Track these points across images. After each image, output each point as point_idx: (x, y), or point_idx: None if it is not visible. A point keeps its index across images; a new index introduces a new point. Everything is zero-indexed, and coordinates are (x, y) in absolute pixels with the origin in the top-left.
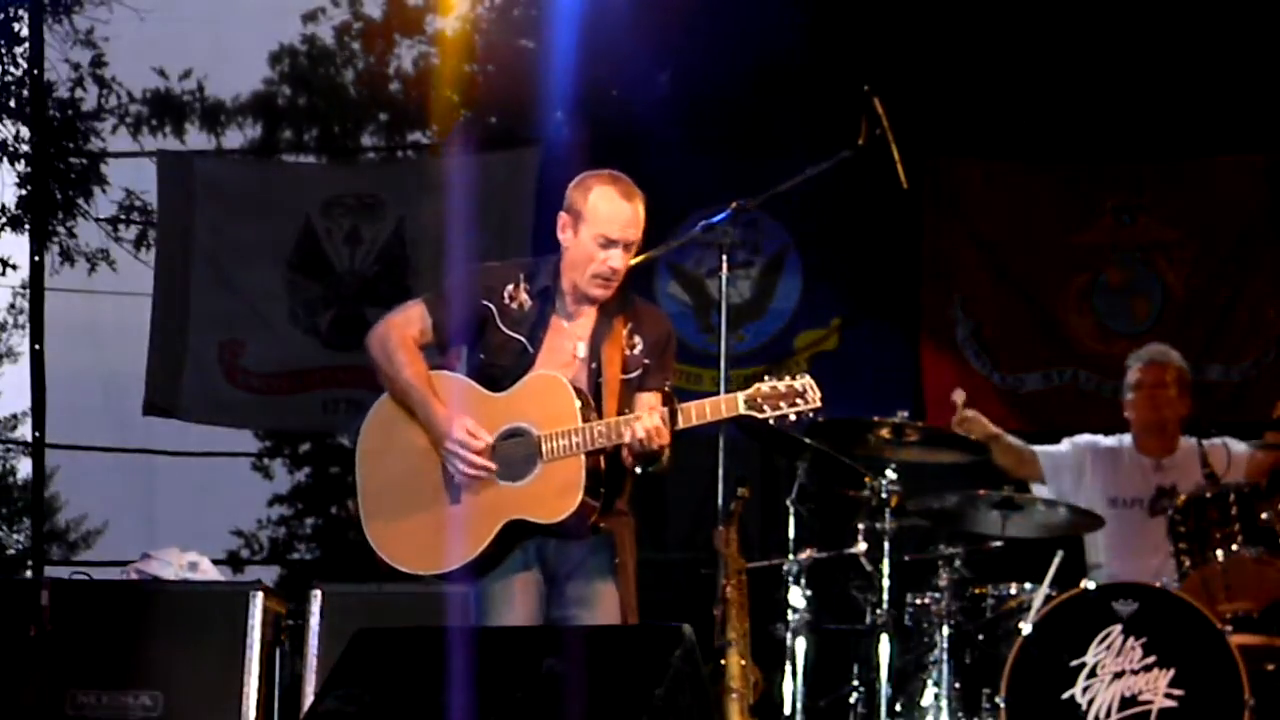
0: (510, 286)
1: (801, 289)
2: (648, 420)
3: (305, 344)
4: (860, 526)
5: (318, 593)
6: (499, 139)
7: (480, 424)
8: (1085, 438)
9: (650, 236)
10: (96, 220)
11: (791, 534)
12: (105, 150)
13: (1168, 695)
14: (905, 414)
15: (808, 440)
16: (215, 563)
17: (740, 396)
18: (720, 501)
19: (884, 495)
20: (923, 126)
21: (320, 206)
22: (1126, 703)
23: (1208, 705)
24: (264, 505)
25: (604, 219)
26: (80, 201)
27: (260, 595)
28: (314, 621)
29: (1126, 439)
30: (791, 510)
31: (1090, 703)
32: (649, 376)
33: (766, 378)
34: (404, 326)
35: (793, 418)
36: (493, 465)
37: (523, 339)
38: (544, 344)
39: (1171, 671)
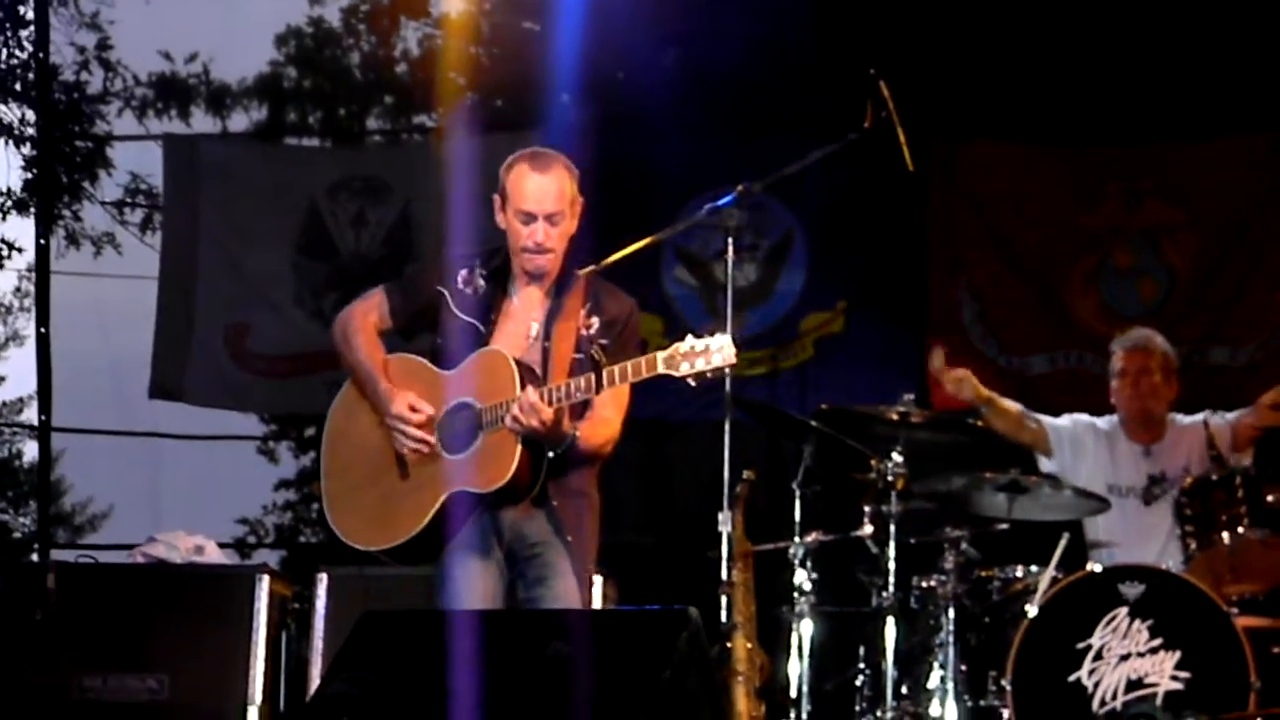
0: (464, 272)
1: (807, 272)
2: (525, 397)
3: (311, 327)
4: (866, 509)
5: (324, 576)
6: (504, 121)
7: (429, 400)
8: (1083, 416)
9: (656, 220)
10: (102, 203)
11: (797, 517)
12: (111, 134)
13: (1174, 677)
14: (911, 396)
15: (813, 423)
16: (221, 546)
17: (659, 355)
18: (726, 485)
19: (890, 478)
20: (929, 109)
21: (326, 189)
22: (1133, 685)
23: (1214, 687)
24: (270, 489)
25: (519, 194)
26: (86, 185)
27: (266, 578)
28: (320, 604)
29: (1116, 421)
30: (797, 493)
31: (1096, 685)
32: (609, 356)
33: (688, 336)
34: (364, 314)
35: (709, 375)
36: (432, 438)
37: (476, 322)
38: (497, 326)
39: (1178, 654)
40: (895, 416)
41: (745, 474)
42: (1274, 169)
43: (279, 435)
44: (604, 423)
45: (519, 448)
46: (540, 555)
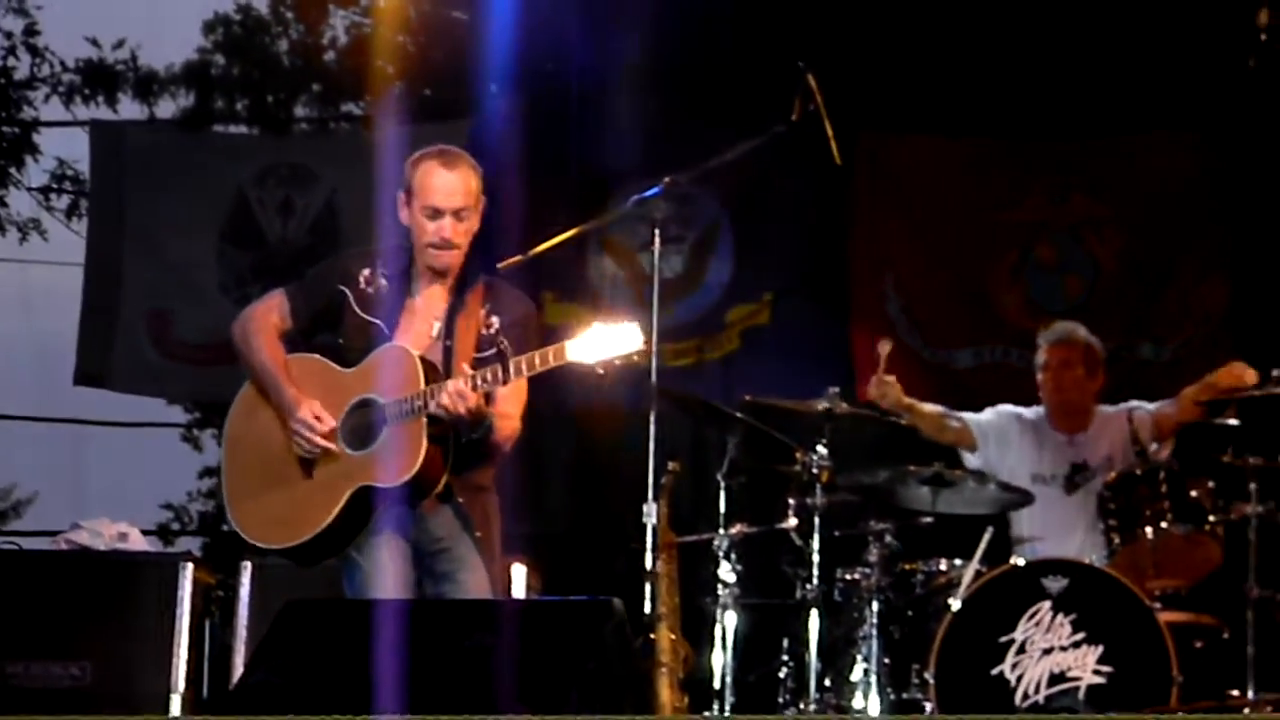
0: (366, 271)
1: (734, 264)
2: (451, 385)
3: (236, 315)
4: (790, 502)
5: (248, 564)
6: (432, 111)
7: (333, 398)
8: (1008, 407)
9: (583, 211)
10: (28, 189)
11: (722, 509)
12: (37, 120)
13: (1096, 672)
14: (836, 389)
15: (738, 414)
16: (145, 534)
17: (567, 344)
18: (651, 476)
19: (814, 470)
20: (856, 103)
21: (253, 177)
22: (1055, 679)
23: (1136, 682)
24: (194, 476)
25: (427, 190)
26: (12, 171)
27: (190, 566)
28: (244, 593)
29: (1043, 411)
30: (722, 485)
31: (1019, 679)
32: (506, 356)
33: (596, 323)
34: (265, 314)
35: (618, 361)
36: (332, 445)
37: (378, 321)
38: (400, 325)
39: (1100, 648)
40: (820, 409)
41: (670, 465)
42: (1199, 167)
43: (203, 423)
44: (505, 418)
45: (425, 441)
46: (448, 550)
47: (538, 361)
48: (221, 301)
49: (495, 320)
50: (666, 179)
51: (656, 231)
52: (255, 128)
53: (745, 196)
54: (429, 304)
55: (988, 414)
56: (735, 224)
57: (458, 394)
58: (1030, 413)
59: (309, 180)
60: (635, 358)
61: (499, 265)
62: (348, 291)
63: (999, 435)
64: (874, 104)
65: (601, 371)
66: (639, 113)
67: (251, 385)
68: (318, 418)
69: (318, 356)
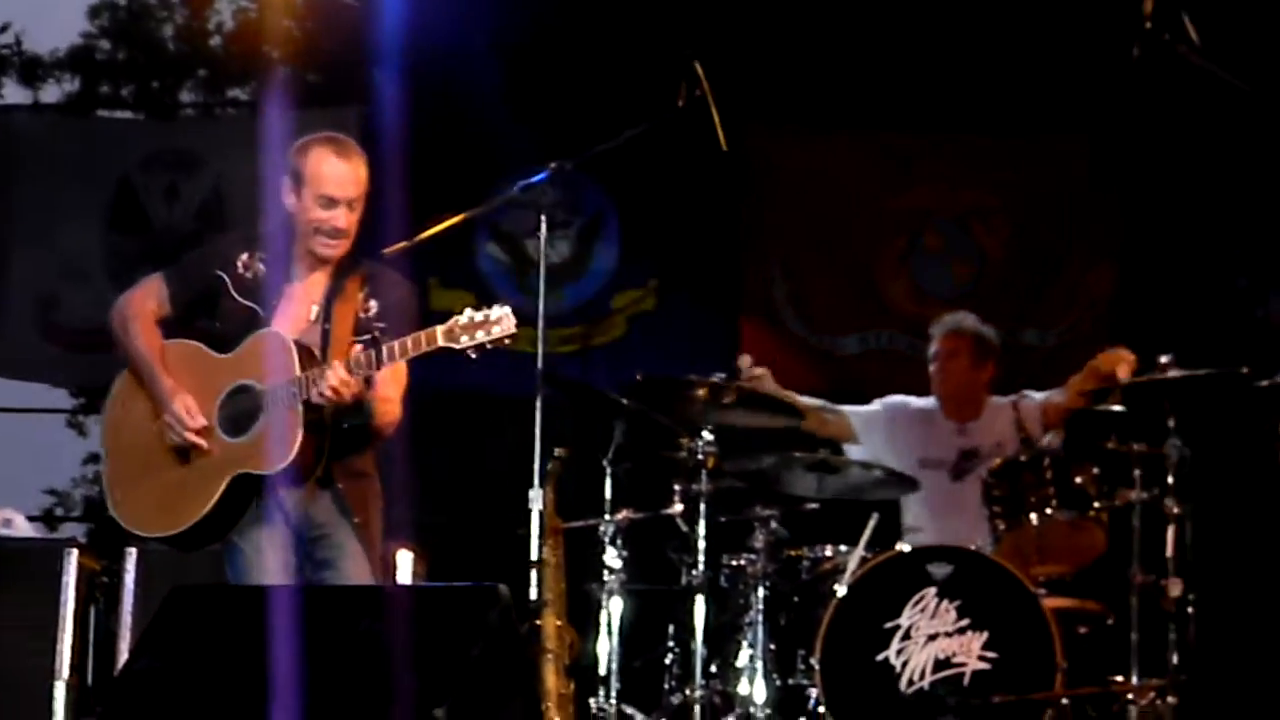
0: (244, 256)
1: (620, 250)
2: (331, 372)
3: None
4: (676, 487)
5: (133, 550)
6: (320, 96)
7: (209, 384)
8: (897, 397)
9: (470, 196)
10: None
11: (608, 494)
12: None
13: (981, 658)
14: (723, 375)
15: (624, 400)
16: (30, 519)
17: (439, 329)
18: (537, 462)
19: (700, 456)
20: (745, 94)
21: (139, 163)
22: (940, 665)
23: (1020, 668)
24: (79, 462)
25: (322, 179)
26: None
27: (75, 553)
28: (129, 579)
29: (935, 400)
30: (608, 471)
31: (904, 665)
32: (388, 338)
33: (467, 309)
34: (142, 300)
35: (489, 346)
36: (202, 443)
37: (255, 306)
38: (277, 310)
39: (985, 634)
40: (707, 395)
41: (556, 451)
42: (1086, 166)
43: (88, 409)
44: (385, 401)
45: (301, 427)
46: (328, 537)
47: (410, 346)
48: (108, 287)
49: (374, 304)
50: (553, 164)
51: (543, 217)
52: (141, 113)
53: (633, 183)
54: (308, 289)
55: (874, 405)
56: (622, 210)
57: (341, 382)
58: (923, 401)
59: (195, 166)
60: (508, 342)
61: (385, 251)
62: (225, 276)
63: (887, 425)
64: (763, 93)
65: (474, 356)
66: (527, 99)
67: (129, 372)
68: (189, 412)
69: (195, 342)
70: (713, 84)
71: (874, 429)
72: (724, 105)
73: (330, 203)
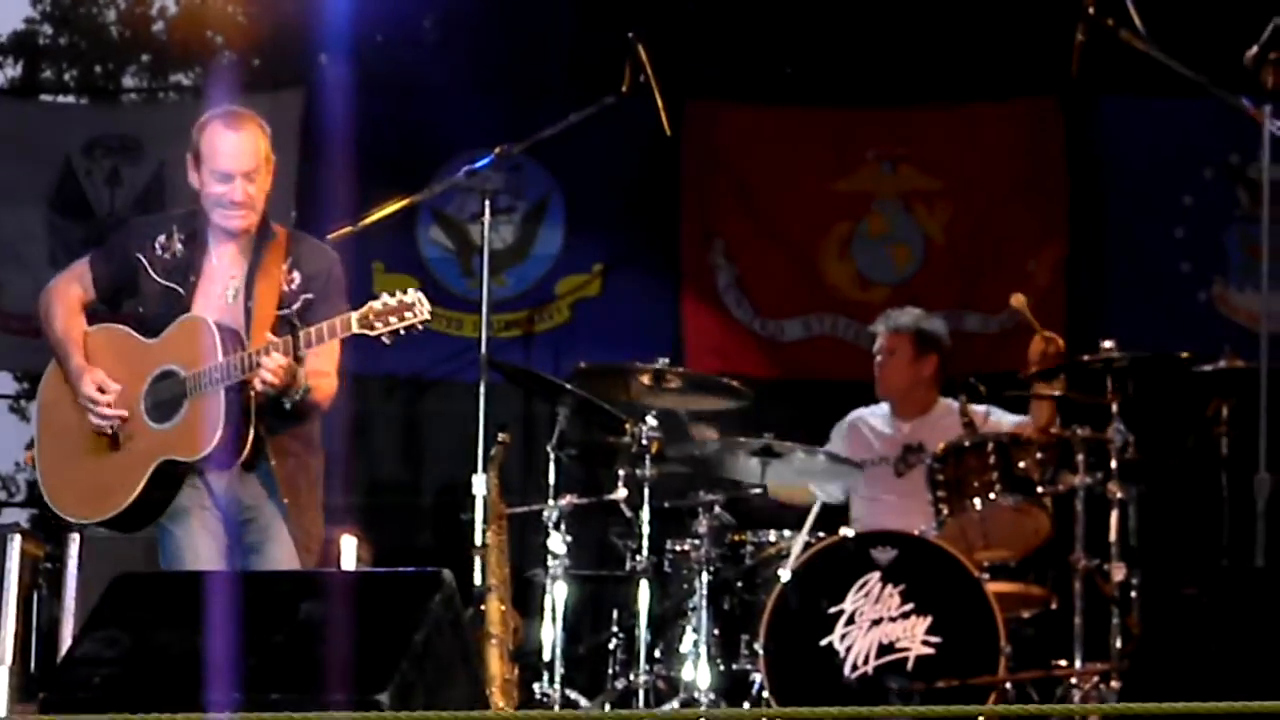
0: (163, 237)
1: (564, 235)
2: (264, 356)
3: None
4: (621, 473)
5: (76, 536)
6: (263, 81)
7: (135, 370)
8: (849, 416)
9: (414, 181)
10: None
11: (552, 480)
12: None
13: (925, 642)
14: (666, 360)
15: (568, 386)
16: None
17: (353, 315)
18: (481, 447)
19: (644, 442)
20: (684, 71)
21: (81, 147)
22: (884, 649)
23: (964, 652)
24: (21, 448)
25: (214, 154)
26: None
27: (18, 539)
28: (72, 565)
29: (887, 405)
30: (552, 456)
31: (848, 650)
32: (315, 310)
33: (382, 295)
34: (67, 285)
35: (402, 332)
36: (124, 413)
37: (176, 286)
38: (198, 289)
39: (929, 619)
40: (650, 380)
41: (500, 436)
42: (1031, 136)
43: (31, 394)
44: (320, 375)
45: (223, 413)
46: (255, 520)
47: (325, 332)
48: (50, 273)
49: (296, 275)
50: (498, 149)
51: (487, 202)
52: (84, 98)
53: (577, 167)
54: (225, 264)
55: (833, 436)
56: (567, 195)
57: (278, 367)
58: (873, 408)
59: (137, 151)
60: (420, 327)
61: (329, 235)
62: (144, 258)
63: (846, 439)
64: (702, 72)
65: (387, 342)
66: (470, 83)
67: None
68: (100, 389)
69: (120, 327)
70: (654, 62)
71: (839, 449)
72: (666, 84)
73: (225, 177)
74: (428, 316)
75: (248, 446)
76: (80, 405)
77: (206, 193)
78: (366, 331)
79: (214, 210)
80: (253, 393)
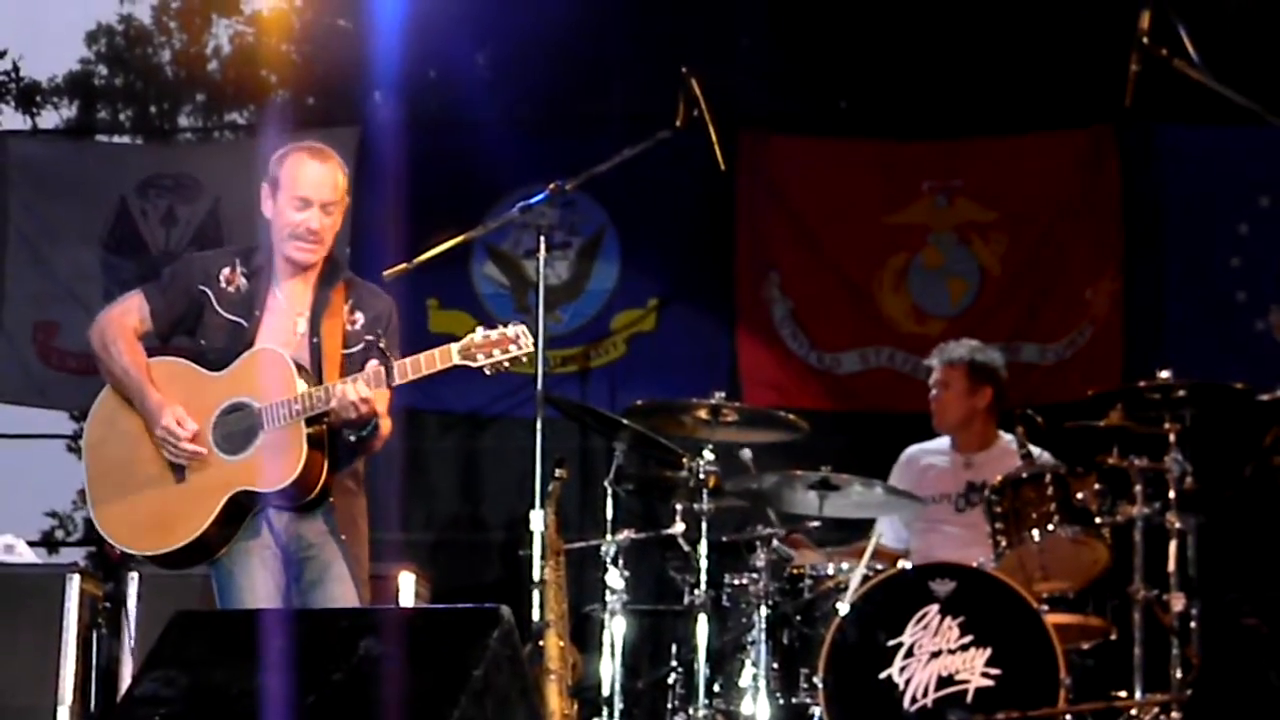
0: (226, 270)
1: (619, 270)
2: (351, 387)
3: None
4: (678, 507)
5: (135, 574)
6: (317, 119)
7: (201, 403)
8: (909, 450)
9: (468, 217)
10: None
11: (609, 515)
12: None
13: (984, 674)
14: (722, 394)
15: (625, 421)
16: (30, 544)
17: (454, 347)
18: (538, 482)
19: (701, 476)
20: (740, 102)
21: (136, 187)
22: (944, 682)
23: (1024, 684)
24: (78, 485)
25: (295, 180)
26: None
27: (77, 578)
28: (131, 603)
29: (946, 439)
30: (609, 491)
31: (908, 682)
32: (372, 350)
33: (479, 328)
34: (122, 317)
35: (506, 365)
36: (203, 450)
37: (240, 320)
38: (262, 323)
39: (988, 651)
40: (707, 414)
41: (558, 472)
42: (1086, 166)
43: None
44: (382, 417)
45: (305, 444)
46: (316, 557)
47: (424, 364)
48: None
49: (359, 316)
50: (552, 185)
51: (542, 238)
52: (139, 137)
53: (631, 202)
54: (291, 300)
55: (894, 473)
56: (621, 230)
57: (361, 399)
58: (936, 443)
59: (193, 190)
60: (524, 360)
61: (384, 273)
62: (209, 291)
63: (905, 474)
64: (757, 105)
65: (488, 374)
66: (524, 119)
67: (112, 391)
68: (179, 423)
69: (180, 360)
70: (708, 96)
71: (899, 483)
72: (720, 118)
73: (305, 204)
74: (531, 349)
75: (321, 480)
76: (150, 437)
77: (283, 221)
78: (469, 363)
79: (288, 242)
80: (325, 430)
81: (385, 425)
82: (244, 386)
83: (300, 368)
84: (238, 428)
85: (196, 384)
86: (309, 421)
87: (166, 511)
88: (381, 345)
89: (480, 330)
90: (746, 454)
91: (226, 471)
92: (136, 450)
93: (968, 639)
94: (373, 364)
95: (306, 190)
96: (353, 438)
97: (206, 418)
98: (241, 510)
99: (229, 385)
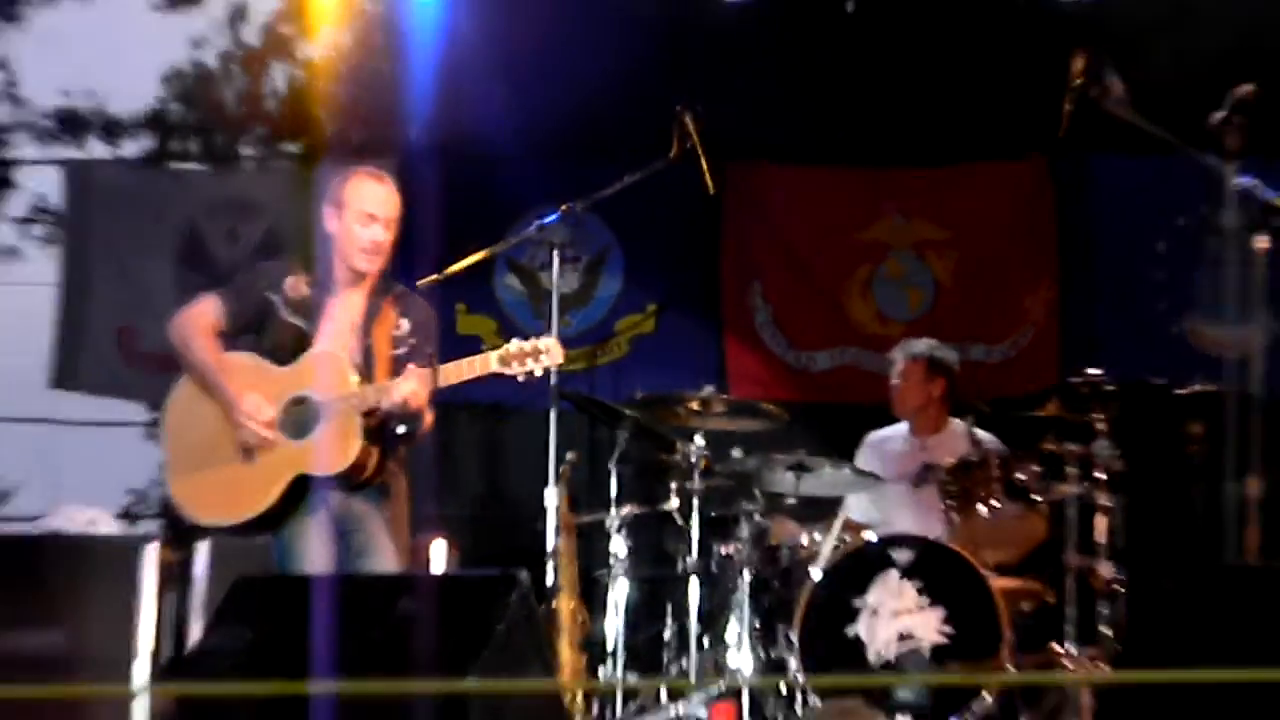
0: (290, 280)
1: (622, 280)
2: (405, 385)
3: None
4: (673, 486)
5: (204, 544)
6: (362, 150)
7: (268, 395)
8: (872, 435)
9: (492, 235)
10: (9, 220)
11: (614, 493)
12: (16, 159)
13: (939, 631)
14: (711, 388)
15: (627, 411)
16: (112, 518)
17: (493, 356)
18: (552, 465)
19: (693, 459)
20: (728, 135)
21: (203, 209)
22: (903, 638)
23: (972, 640)
24: (154, 467)
25: (361, 198)
26: None
27: (153, 547)
28: (199, 568)
29: (905, 425)
30: (614, 472)
31: (872, 638)
32: (415, 353)
33: (515, 339)
34: (200, 317)
35: (538, 373)
36: (273, 435)
37: (303, 323)
38: (321, 328)
39: (942, 611)
40: (697, 405)
41: (569, 456)
42: (1025, 191)
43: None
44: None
45: (359, 434)
46: (363, 530)
47: (465, 370)
48: None
49: (404, 323)
50: (564, 207)
51: (555, 252)
52: (206, 165)
53: (632, 221)
54: (347, 308)
55: (859, 453)
56: (624, 245)
57: (414, 394)
58: (895, 428)
59: (252, 211)
60: (552, 369)
61: (419, 282)
62: (275, 298)
63: (870, 458)
64: (744, 137)
65: (522, 379)
66: (539, 149)
67: (190, 380)
68: (257, 409)
69: (249, 355)
70: (699, 130)
71: (864, 464)
72: (710, 147)
73: (369, 219)
74: (560, 360)
75: (371, 466)
76: (225, 421)
77: (348, 236)
78: (504, 370)
79: (354, 254)
80: (376, 421)
81: (429, 418)
82: (306, 381)
83: (355, 366)
84: (300, 417)
85: (265, 377)
86: (364, 414)
87: (236, 488)
88: (429, 350)
89: (515, 342)
90: (736, 453)
91: (290, 455)
92: (211, 433)
93: (924, 600)
94: (421, 366)
95: (371, 207)
96: (402, 429)
97: (274, 406)
98: (301, 489)
99: (293, 380)
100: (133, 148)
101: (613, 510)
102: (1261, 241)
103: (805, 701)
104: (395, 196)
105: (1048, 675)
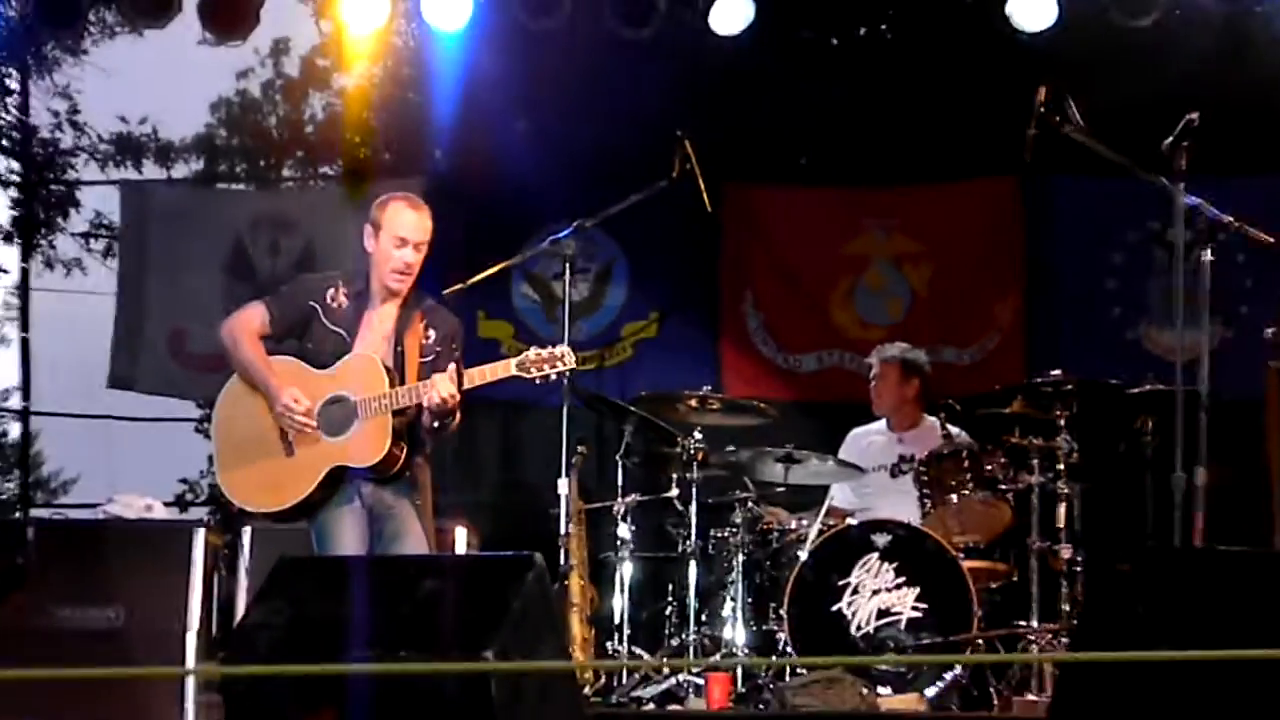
0: (331, 290)
1: (628, 290)
2: (443, 386)
3: None
4: (673, 476)
5: (248, 529)
6: (392, 170)
7: (308, 394)
8: (855, 431)
9: (509, 248)
10: (73, 235)
11: (620, 482)
12: (79, 180)
13: (914, 608)
14: (709, 388)
15: (632, 409)
16: (165, 505)
17: (513, 361)
18: (564, 457)
19: (692, 451)
20: (724, 157)
21: (248, 225)
22: (882, 614)
23: (945, 616)
24: (204, 460)
25: (398, 223)
26: (59, 220)
27: (202, 531)
28: (245, 551)
29: (883, 421)
30: (620, 463)
31: (854, 614)
32: (440, 360)
33: (534, 347)
34: (248, 321)
35: (553, 377)
36: (314, 423)
37: (342, 331)
38: (358, 335)
39: (917, 589)
40: (696, 403)
41: (579, 448)
42: (994, 208)
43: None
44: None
45: (390, 432)
46: (394, 517)
47: (488, 374)
48: None
49: (432, 333)
50: (575, 223)
51: (567, 264)
52: (251, 185)
53: (637, 236)
54: (382, 318)
55: (843, 447)
56: (629, 258)
57: (449, 395)
58: (874, 424)
59: (293, 227)
60: (567, 374)
61: (444, 291)
62: (317, 306)
63: (855, 451)
64: (740, 158)
65: (538, 383)
66: (553, 170)
67: (239, 378)
68: (297, 400)
69: (292, 358)
70: (697, 153)
71: (846, 457)
72: (708, 169)
73: (402, 243)
74: (574, 366)
75: (401, 459)
76: (269, 415)
77: (383, 257)
78: (523, 374)
79: (387, 274)
80: (406, 420)
81: (459, 416)
82: (344, 382)
83: (388, 370)
84: (338, 415)
85: (306, 378)
86: (395, 414)
87: (279, 478)
88: (456, 357)
89: (534, 349)
90: (731, 446)
91: (328, 449)
92: (257, 427)
93: (901, 580)
94: (451, 369)
95: (405, 232)
96: (435, 425)
97: (314, 404)
98: (337, 480)
99: (332, 381)
100: (184, 169)
101: (619, 498)
102: (1206, 255)
103: (793, 670)
104: (428, 222)
105: (1016, 655)
